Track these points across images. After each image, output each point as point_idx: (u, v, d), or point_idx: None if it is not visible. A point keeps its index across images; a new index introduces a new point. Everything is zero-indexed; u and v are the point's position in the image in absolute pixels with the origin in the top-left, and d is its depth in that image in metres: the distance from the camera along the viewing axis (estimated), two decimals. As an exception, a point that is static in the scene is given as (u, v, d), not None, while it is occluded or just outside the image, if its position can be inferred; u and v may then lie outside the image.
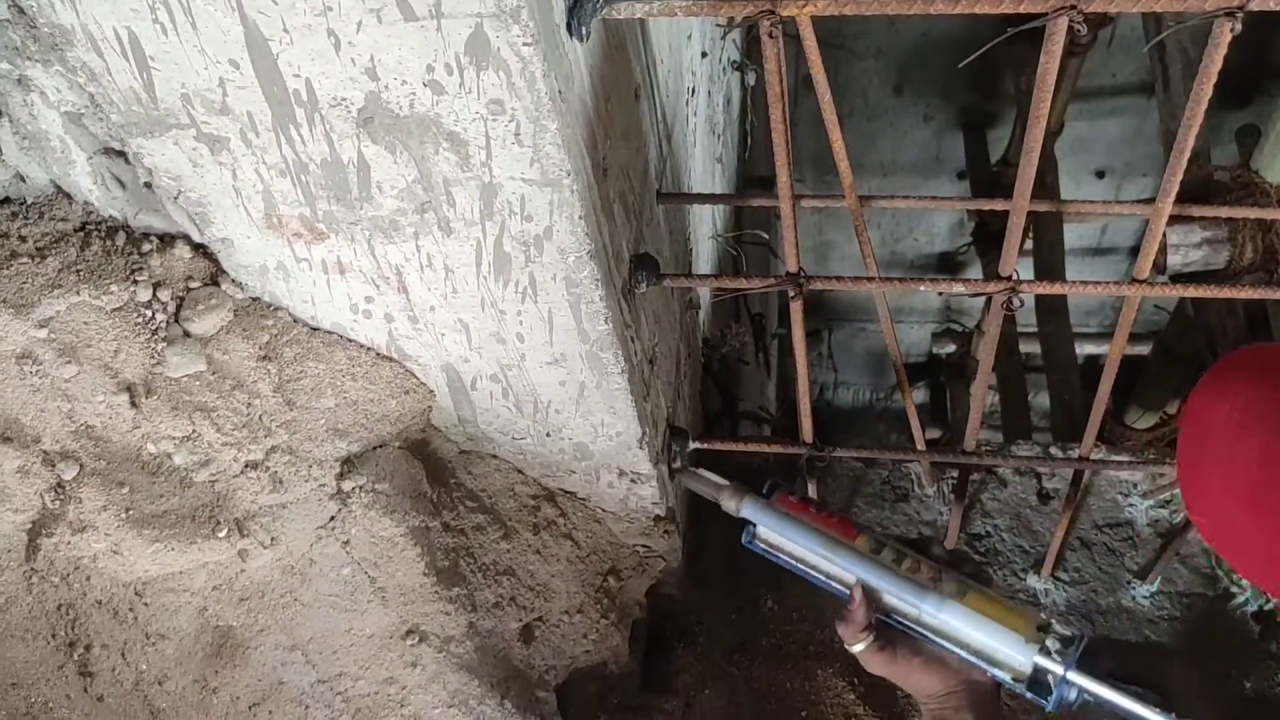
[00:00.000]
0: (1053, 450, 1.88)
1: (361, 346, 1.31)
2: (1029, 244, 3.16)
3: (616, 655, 1.72)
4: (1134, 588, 1.83)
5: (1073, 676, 1.09)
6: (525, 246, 1.12)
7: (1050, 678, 1.11)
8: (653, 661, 1.85)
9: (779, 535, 1.29)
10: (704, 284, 1.37)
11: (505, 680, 1.54)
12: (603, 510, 1.60)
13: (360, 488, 1.33)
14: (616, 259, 1.24)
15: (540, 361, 1.30)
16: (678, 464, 1.57)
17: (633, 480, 1.53)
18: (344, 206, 1.11)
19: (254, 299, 1.26)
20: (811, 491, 1.75)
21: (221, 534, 1.24)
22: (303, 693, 1.38)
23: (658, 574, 1.78)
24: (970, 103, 3.74)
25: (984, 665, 1.16)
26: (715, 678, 1.84)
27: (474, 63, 0.93)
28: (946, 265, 4.47)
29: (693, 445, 1.64)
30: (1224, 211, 1.47)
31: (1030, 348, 3.55)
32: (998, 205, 1.37)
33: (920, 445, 1.63)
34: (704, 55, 1.97)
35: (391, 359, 1.33)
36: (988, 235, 3.67)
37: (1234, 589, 1.81)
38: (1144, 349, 4.14)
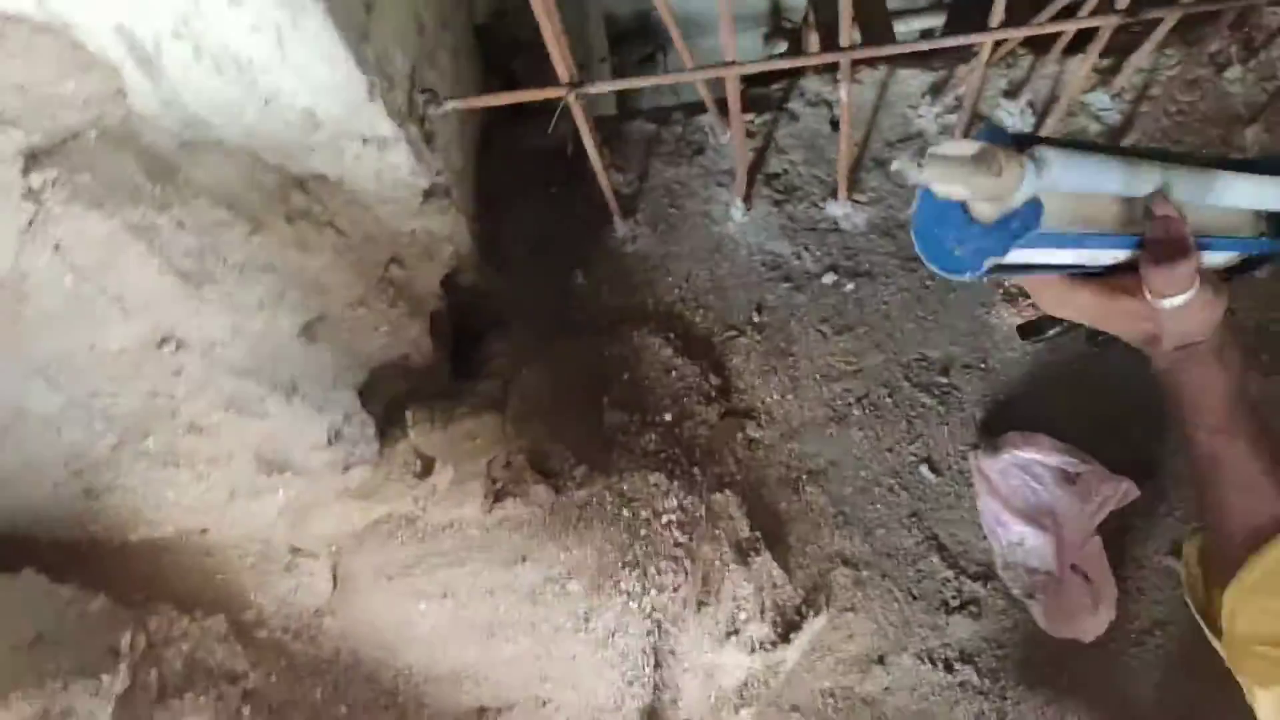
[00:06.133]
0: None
1: (8, 18, 1.14)
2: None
3: (417, 346, 1.66)
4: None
5: None
6: None
7: None
8: (464, 354, 1.80)
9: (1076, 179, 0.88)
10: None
11: (292, 380, 1.46)
12: (359, 189, 1.48)
13: (53, 181, 1.19)
14: None
15: (219, 2, 1.15)
16: (432, 112, 1.46)
17: (379, 147, 1.41)
18: None
19: None
20: (593, 152, 1.66)
21: (-110, 246, 1.10)
22: (53, 417, 1.29)
23: (449, 260, 1.69)
24: None
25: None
26: (532, 358, 1.79)
27: None
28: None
29: (448, 104, 1.52)
30: None
31: None
32: None
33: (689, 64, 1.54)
34: None
35: (51, 29, 1.16)
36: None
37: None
38: None
